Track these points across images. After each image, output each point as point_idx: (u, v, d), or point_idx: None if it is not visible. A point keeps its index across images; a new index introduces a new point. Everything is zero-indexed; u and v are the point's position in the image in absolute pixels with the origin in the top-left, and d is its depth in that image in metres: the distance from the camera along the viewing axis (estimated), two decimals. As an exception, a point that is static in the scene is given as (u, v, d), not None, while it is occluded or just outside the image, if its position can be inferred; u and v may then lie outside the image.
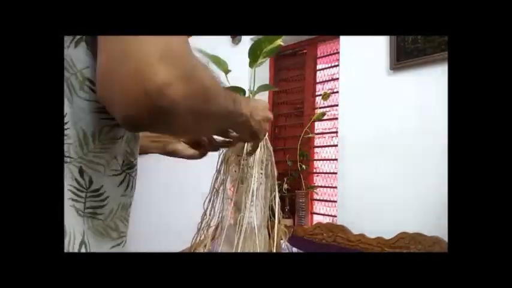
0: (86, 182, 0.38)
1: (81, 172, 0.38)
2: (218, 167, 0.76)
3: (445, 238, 1.09)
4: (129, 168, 0.43)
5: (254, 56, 0.76)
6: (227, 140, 0.70)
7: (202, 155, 0.72)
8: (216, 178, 0.76)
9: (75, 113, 0.37)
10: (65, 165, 0.37)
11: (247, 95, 0.80)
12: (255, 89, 0.79)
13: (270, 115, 0.60)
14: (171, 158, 0.75)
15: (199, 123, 0.38)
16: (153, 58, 0.29)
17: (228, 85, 0.75)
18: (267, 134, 0.71)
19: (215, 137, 0.70)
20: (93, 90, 0.36)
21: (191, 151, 0.71)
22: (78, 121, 0.37)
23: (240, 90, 0.77)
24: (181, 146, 0.71)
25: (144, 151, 0.69)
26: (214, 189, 0.75)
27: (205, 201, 0.75)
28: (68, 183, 0.37)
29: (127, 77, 0.29)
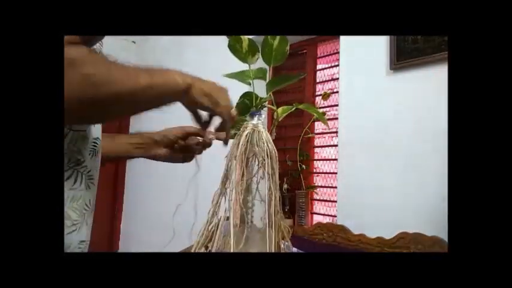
0: None
1: None
2: (225, 166, 0.76)
3: (445, 238, 1.09)
4: (76, 165, 0.49)
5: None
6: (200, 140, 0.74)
7: (183, 159, 0.77)
8: (222, 178, 0.76)
9: None
10: None
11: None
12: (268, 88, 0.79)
13: (223, 86, 0.60)
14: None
15: (109, 105, 0.42)
16: None
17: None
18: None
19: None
20: None
21: (172, 155, 0.76)
22: None
23: (250, 96, 0.77)
24: (162, 151, 0.75)
25: (130, 156, 0.75)
26: (218, 189, 0.75)
27: (212, 199, 0.75)
28: None
29: None
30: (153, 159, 0.77)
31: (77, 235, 0.49)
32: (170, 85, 0.49)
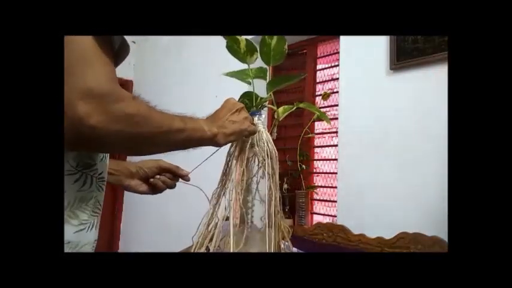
0: None
1: None
2: (224, 166, 0.76)
3: (445, 238, 1.09)
4: (85, 168, 0.51)
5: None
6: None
7: (153, 191, 0.81)
8: (221, 177, 0.76)
9: None
10: None
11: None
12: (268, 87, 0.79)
13: (241, 111, 0.67)
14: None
15: (141, 143, 0.48)
16: (73, 97, 0.38)
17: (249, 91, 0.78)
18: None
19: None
20: None
21: (143, 187, 0.80)
22: None
23: (251, 96, 0.77)
24: (134, 182, 0.79)
25: None
26: (219, 189, 0.75)
27: (211, 199, 0.75)
28: None
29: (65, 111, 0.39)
30: (124, 189, 0.80)
31: (89, 234, 0.52)
32: (199, 133, 0.58)
